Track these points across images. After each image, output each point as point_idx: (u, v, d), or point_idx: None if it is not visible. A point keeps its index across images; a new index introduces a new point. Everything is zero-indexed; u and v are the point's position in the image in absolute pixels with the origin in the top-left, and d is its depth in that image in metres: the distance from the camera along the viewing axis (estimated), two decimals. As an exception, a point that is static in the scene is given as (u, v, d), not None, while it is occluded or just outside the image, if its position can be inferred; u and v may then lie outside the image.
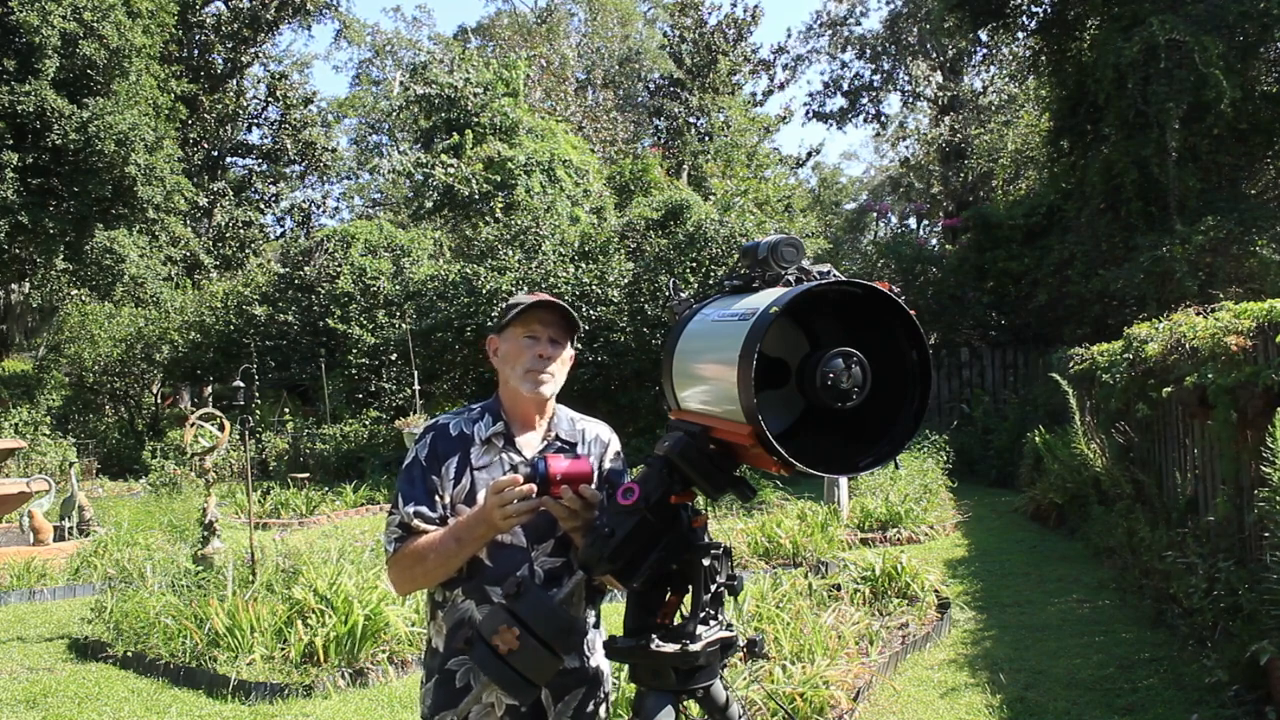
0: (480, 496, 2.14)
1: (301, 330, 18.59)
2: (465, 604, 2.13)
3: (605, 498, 1.99)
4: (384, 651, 5.37)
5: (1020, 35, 17.40)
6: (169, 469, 14.54)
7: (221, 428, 7.82)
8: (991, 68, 25.00)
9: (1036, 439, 9.79)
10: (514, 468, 2.04)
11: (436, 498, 2.17)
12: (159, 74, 20.54)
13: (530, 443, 2.24)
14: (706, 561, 1.92)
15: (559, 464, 2.00)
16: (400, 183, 26.88)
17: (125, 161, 17.83)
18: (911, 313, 1.75)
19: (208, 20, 27.05)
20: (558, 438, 2.26)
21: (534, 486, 1.98)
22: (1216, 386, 4.76)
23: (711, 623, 1.95)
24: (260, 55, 29.59)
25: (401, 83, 25.87)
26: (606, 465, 2.27)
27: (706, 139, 25.54)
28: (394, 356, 16.79)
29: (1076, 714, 4.36)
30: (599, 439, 2.31)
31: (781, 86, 30.31)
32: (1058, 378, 9.05)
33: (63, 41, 17.36)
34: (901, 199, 31.53)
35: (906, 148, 29.89)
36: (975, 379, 15.01)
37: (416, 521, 2.13)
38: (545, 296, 2.21)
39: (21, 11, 16.75)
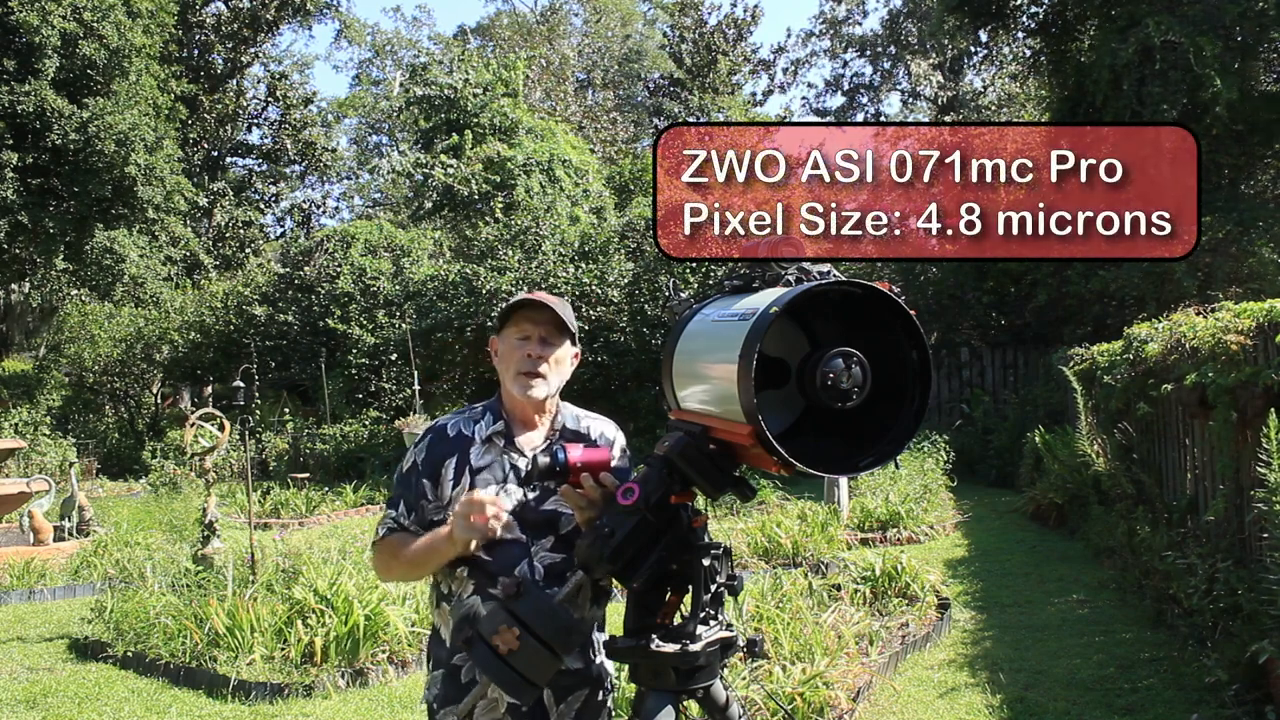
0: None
1: (301, 330, 18.58)
2: (471, 599, 2.14)
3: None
4: (384, 651, 5.36)
5: (1020, 36, 17.39)
6: (169, 469, 14.51)
7: (221, 428, 7.82)
8: (991, 67, 24.98)
9: (1036, 439, 9.78)
10: (532, 461, 2.04)
11: (424, 503, 2.20)
12: (159, 74, 20.51)
13: (531, 442, 2.24)
14: (706, 561, 1.92)
15: (578, 452, 2.00)
16: (400, 183, 26.88)
17: (125, 161, 17.81)
18: (912, 312, 1.75)
19: (208, 20, 27.07)
20: (561, 435, 2.26)
21: (512, 520, 1.99)
22: (1216, 386, 4.76)
23: (711, 623, 1.95)
24: (260, 55, 29.60)
25: (402, 84, 25.89)
26: (614, 463, 2.27)
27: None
28: (394, 356, 16.78)
29: (1076, 714, 4.36)
30: (604, 436, 2.31)
31: (782, 89, 30.40)
32: (1068, 373, 9.01)
33: (63, 41, 17.33)
34: (901, 199, 31.46)
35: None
36: (975, 379, 14.98)
37: (406, 524, 2.21)
38: (532, 295, 2.21)
39: (21, 11, 16.73)
